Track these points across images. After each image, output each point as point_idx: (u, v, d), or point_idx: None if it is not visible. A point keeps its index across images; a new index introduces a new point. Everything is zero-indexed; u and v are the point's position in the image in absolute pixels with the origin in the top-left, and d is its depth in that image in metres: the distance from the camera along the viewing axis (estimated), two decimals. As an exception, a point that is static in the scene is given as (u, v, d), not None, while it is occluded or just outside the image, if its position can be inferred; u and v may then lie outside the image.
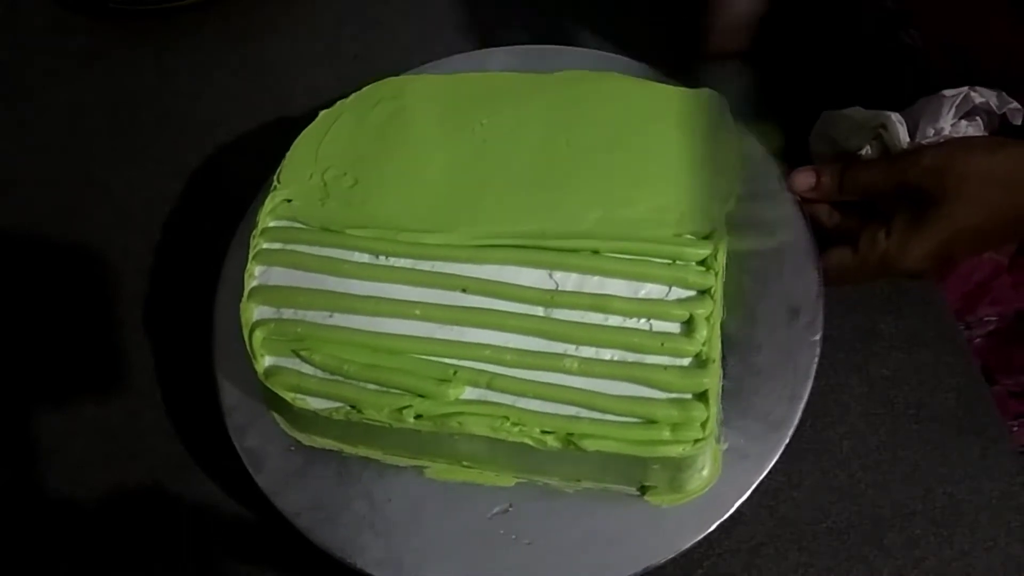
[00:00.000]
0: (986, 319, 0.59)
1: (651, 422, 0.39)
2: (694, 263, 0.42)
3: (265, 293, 0.44)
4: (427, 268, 0.43)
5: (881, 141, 0.44)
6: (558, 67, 0.49)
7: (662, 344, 0.40)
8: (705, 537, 0.41)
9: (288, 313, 0.44)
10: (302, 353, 0.42)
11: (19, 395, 0.52)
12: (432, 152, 0.47)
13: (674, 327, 0.41)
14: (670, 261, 0.42)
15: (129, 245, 0.56)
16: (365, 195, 0.46)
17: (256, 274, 0.45)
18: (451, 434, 0.40)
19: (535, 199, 0.44)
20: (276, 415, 0.45)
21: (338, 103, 0.49)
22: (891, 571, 0.44)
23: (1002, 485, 0.46)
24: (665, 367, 0.40)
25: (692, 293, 0.42)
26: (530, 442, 0.39)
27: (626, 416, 0.39)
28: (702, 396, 0.39)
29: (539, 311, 0.42)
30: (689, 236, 0.43)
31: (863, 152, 0.45)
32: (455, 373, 0.41)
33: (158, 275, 0.55)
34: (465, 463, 0.43)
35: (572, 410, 0.40)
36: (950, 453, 0.47)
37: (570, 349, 0.41)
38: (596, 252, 0.43)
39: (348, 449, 0.44)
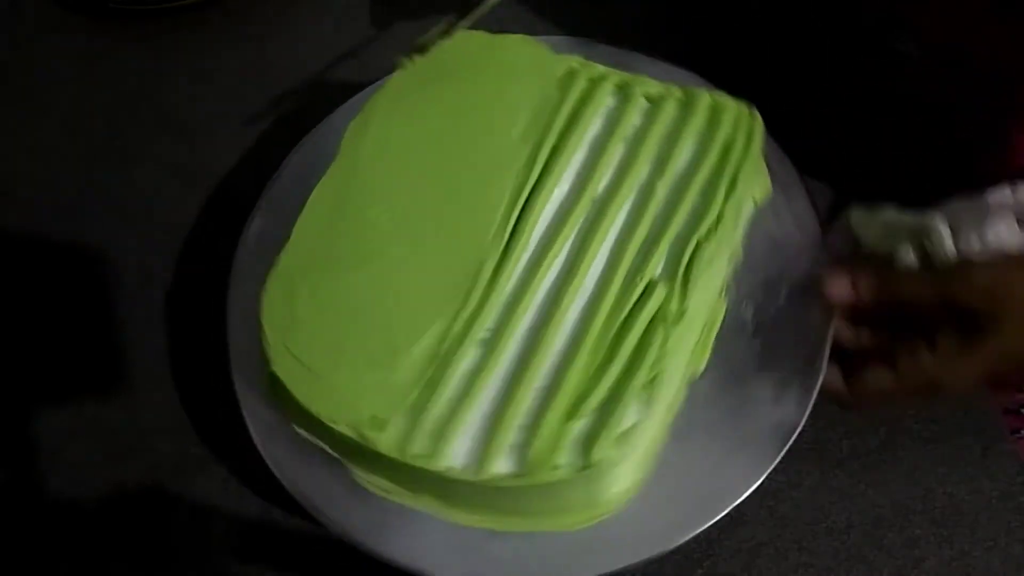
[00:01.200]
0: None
1: (730, 147, 0.45)
2: (609, 77, 0.48)
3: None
4: (512, 290, 0.42)
5: (922, 247, 0.42)
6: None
7: (678, 104, 0.47)
8: (705, 537, 0.41)
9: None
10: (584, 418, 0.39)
11: (19, 395, 0.52)
12: (382, 260, 0.43)
13: (672, 105, 0.47)
14: (593, 86, 0.47)
15: (129, 245, 0.56)
16: (398, 340, 0.41)
17: (454, 459, 0.38)
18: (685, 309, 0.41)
19: (482, 177, 0.45)
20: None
21: (262, 328, 0.42)
22: (891, 571, 0.44)
23: (1002, 485, 0.46)
24: (705, 108, 0.46)
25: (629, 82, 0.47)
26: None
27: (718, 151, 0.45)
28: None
29: (597, 199, 0.44)
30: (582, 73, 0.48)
31: (903, 257, 0.42)
32: (643, 276, 0.41)
33: (158, 275, 0.55)
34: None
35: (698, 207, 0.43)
36: (950, 453, 0.47)
37: (641, 177, 0.44)
38: (555, 147, 0.45)
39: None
